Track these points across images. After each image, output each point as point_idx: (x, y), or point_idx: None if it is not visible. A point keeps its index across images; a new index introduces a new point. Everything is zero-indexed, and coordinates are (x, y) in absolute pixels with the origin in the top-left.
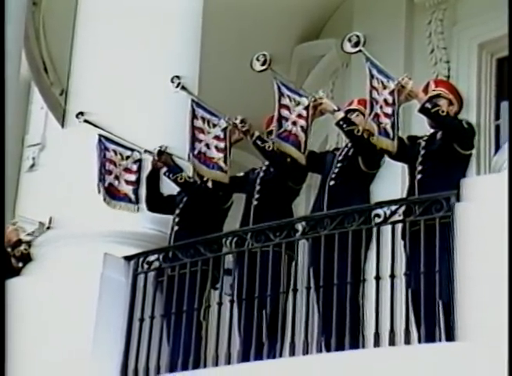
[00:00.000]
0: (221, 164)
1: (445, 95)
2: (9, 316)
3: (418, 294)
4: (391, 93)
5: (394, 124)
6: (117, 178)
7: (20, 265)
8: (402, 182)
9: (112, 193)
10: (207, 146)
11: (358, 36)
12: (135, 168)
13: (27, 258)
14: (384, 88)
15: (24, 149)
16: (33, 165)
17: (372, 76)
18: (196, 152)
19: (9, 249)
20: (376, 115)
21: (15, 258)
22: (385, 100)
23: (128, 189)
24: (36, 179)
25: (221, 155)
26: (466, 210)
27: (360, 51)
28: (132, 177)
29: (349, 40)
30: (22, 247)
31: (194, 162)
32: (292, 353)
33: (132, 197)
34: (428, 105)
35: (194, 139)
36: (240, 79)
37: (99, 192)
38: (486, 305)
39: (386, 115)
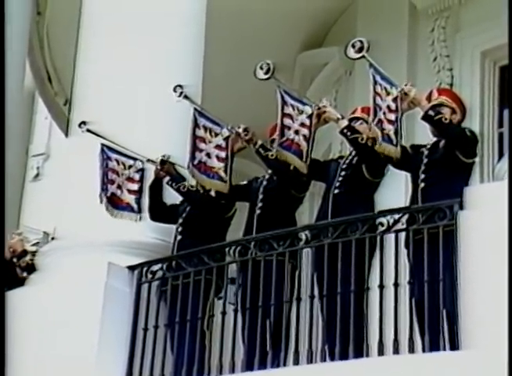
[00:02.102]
0: (222, 173)
1: (448, 104)
2: (14, 325)
3: (422, 303)
4: (395, 100)
5: (398, 131)
6: (119, 187)
7: (25, 275)
8: (405, 190)
9: (114, 203)
10: (208, 155)
11: (361, 42)
12: (137, 177)
13: (32, 268)
14: (388, 94)
15: (29, 159)
16: (37, 175)
17: (375, 82)
18: (196, 162)
19: (15, 259)
20: (380, 121)
21: (20, 269)
22: (388, 107)
23: (130, 199)
24: (40, 189)
25: (221, 164)
26: (470, 218)
27: (363, 57)
28: (135, 186)
29: (353, 46)
30: (27, 258)
31: (194, 172)
32: (296, 362)
33: (135, 206)
34: (431, 112)
35: (194, 149)
36: (243, 88)
37: (101, 202)
38: (490, 313)
39: (389, 121)
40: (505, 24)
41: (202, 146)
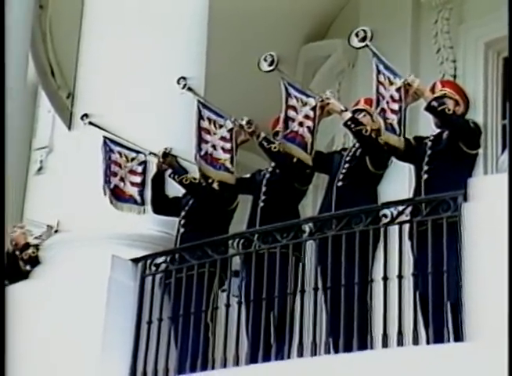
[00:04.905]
0: (228, 164)
1: (452, 96)
2: (17, 319)
3: (426, 295)
4: (398, 90)
5: (401, 121)
6: (122, 180)
7: (28, 268)
8: (409, 182)
9: (118, 195)
10: (214, 147)
11: (365, 31)
12: (140, 169)
13: (34, 262)
14: (391, 84)
15: (32, 152)
16: (40, 168)
17: (378, 71)
18: (202, 153)
19: (17, 252)
20: (383, 110)
21: (23, 262)
22: (391, 96)
23: (133, 191)
24: (44, 182)
25: (227, 156)
26: (474, 210)
27: (367, 46)
28: (138, 179)
29: (356, 35)
30: (30, 251)
31: (201, 163)
32: (300, 355)
33: (138, 198)
34: (435, 103)
35: (200, 140)
36: (246, 80)
37: (105, 194)
38: (494, 305)
39: (392, 111)
40: (505, 16)
41: (207, 137)
